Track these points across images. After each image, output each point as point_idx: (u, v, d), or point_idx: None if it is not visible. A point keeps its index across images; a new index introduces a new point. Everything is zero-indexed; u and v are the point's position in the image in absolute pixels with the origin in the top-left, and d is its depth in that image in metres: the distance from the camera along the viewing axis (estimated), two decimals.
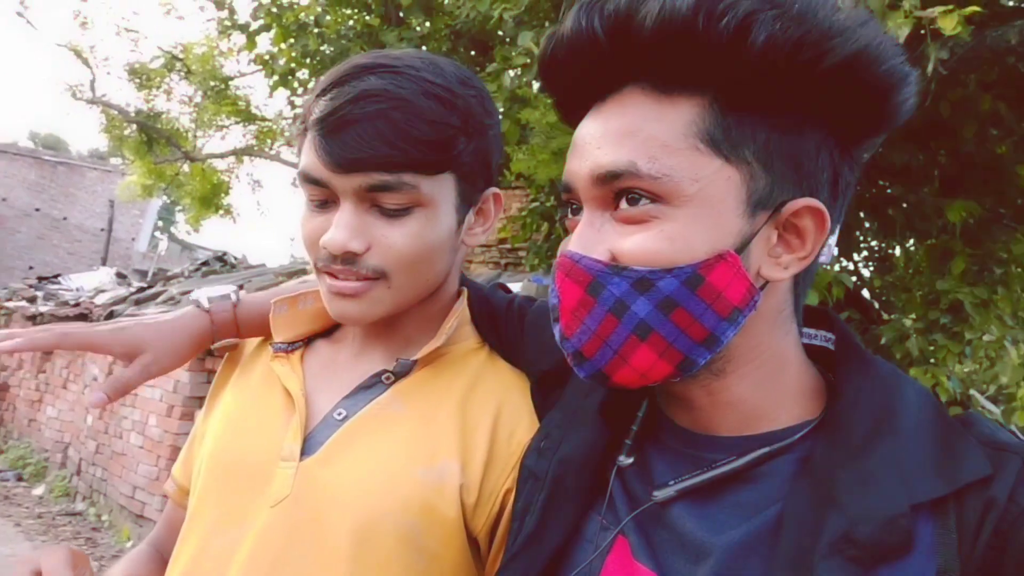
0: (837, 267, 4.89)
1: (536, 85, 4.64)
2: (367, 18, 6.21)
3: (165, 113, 11.73)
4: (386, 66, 0.81)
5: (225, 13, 8.54)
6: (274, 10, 6.63)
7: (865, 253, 5.59)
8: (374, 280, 0.83)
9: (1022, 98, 4.19)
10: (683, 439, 0.70)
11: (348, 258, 0.81)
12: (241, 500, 0.85)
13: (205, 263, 9.53)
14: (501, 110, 4.15)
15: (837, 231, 0.69)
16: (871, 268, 5.65)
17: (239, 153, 11.52)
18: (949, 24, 2.46)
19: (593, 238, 0.64)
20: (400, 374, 0.90)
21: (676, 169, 0.61)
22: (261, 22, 6.84)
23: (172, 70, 11.26)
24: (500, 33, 4.61)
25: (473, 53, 6.50)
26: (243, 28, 7.19)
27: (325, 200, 0.83)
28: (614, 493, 0.72)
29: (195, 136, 11.91)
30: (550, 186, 4.54)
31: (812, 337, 0.73)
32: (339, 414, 0.88)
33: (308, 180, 0.82)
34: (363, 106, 0.78)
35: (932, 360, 3.89)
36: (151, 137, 11.30)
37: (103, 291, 8.15)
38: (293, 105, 7.52)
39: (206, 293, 1.01)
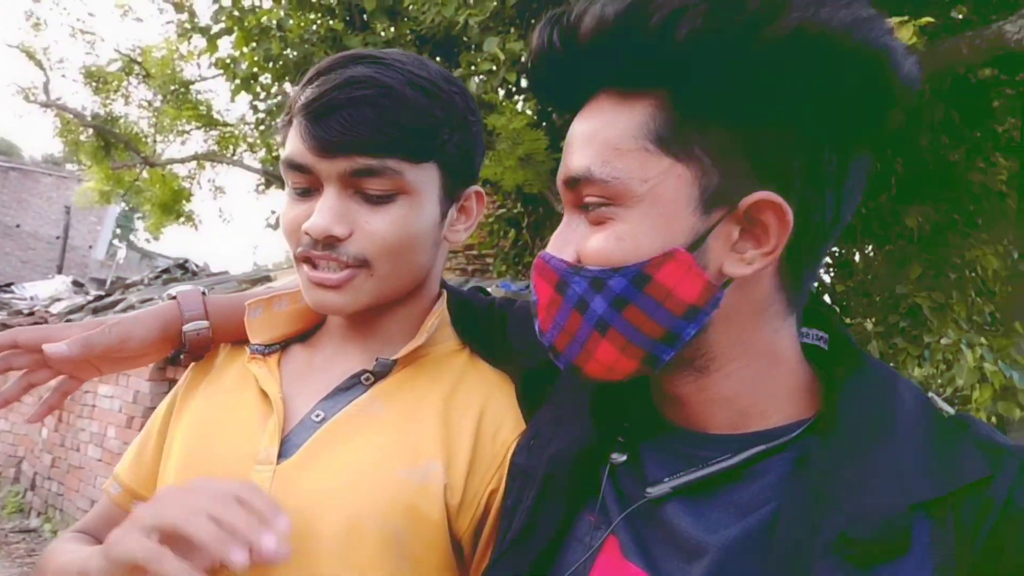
0: None
1: (502, 92, 4.65)
2: (331, 23, 6.15)
3: (123, 117, 11.48)
4: (373, 57, 0.83)
5: (185, 16, 8.40)
6: (236, 13, 6.54)
7: (826, 259, 5.70)
8: (356, 268, 0.82)
9: (973, 107, 4.32)
10: (677, 437, 0.70)
11: (330, 243, 0.81)
12: None
13: (166, 270, 9.33)
14: None
15: (843, 221, 0.65)
16: (832, 274, 5.76)
17: (200, 158, 11.31)
18: (905, 35, 2.53)
19: (565, 239, 0.67)
20: (380, 374, 0.89)
21: (625, 171, 0.62)
22: (222, 25, 6.74)
23: (130, 73, 11.04)
24: (465, 39, 4.61)
25: (438, 59, 6.48)
26: (204, 31, 7.06)
27: (308, 188, 0.83)
28: (605, 492, 0.71)
29: (155, 141, 11.67)
30: (516, 192, 4.55)
31: (804, 336, 0.72)
32: (317, 416, 0.86)
33: (292, 166, 0.82)
34: (349, 92, 0.79)
35: (892, 363, 3.98)
36: (108, 142, 11.04)
37: (59, 300, 7.93)
38: (256, 110, 7.40)
39: (175, 288, 0.99)
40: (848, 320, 4.95)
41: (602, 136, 0.64)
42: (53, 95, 11.99)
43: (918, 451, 0.59)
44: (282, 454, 0.83)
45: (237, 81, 6.90)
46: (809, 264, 0.66)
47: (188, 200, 12.07)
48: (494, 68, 4.04)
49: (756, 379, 0.67)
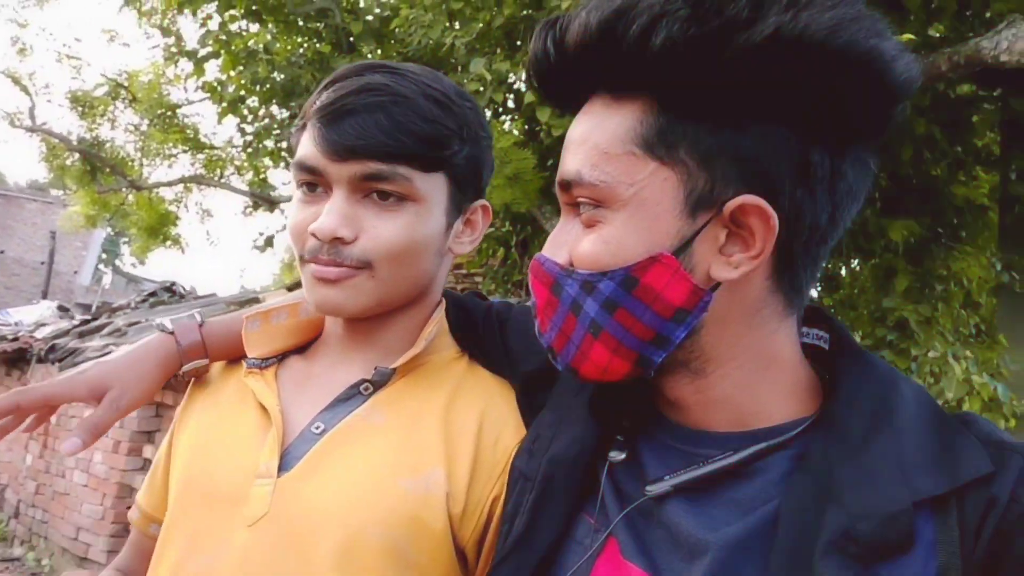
0: None
1: (489, 112, 4.68)
2: (318, 46, 6.19)
3: (109, 142, 11.44)
4: (390, 67, 0.85)
5: (172, 40, 8.42)
6: (223, 37, 6.56)
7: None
8: (358, 270, 0.82)
9: (953, 122, 4.38)
10: (676, 435, 0.70)
11: (335, 246, 0.81)
12: (215, 521, 0.82)
13: (153, 294, 9.27)
14: None
15: (841, 223, 0.65)
16: (819, 288, 5.80)
17: (187, 181, 11.28)
18: None
19: (560, 242, 0.68)
20: (379, 384, 0.89)
21: (612, 175, 0.63)
22: (209, 49, 6.75)
23: (117, 98, 11.02)
24: (452, 60, 4.64)
25: None
26: (191, 55, 7.08)
27: (316, 186, 0.84)
28: (604, 492, 0.71)
29: (141, 165, 11.63)
30: (505, 211, 4.56)
31: (805, 336, 0.73)
32: (317, 428, 0.86)
33: (303, 168, 0.83)
34: (364, 98, 0.80)
35: None
36: (94, 166, 10.99)
37: (44, 325, 7.84)
38: (243, 132, 7.40)
39: (169, 318, 0.98)
40: None
41: (592, 139, 0.65)
42: (39, 120, 11.96)
43: (920, 447, 0.59)
44: (282, 467, 0.83)
45: (224, 104, 6.91)
46: (805, 267, 0.65)
47: (175, 223, 12.00)
48: (481, 88, 4.07)
49: (753, 379, 0.67)
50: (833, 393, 0.65)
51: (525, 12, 4.32)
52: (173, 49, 8.03)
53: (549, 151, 4.74)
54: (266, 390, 0.90)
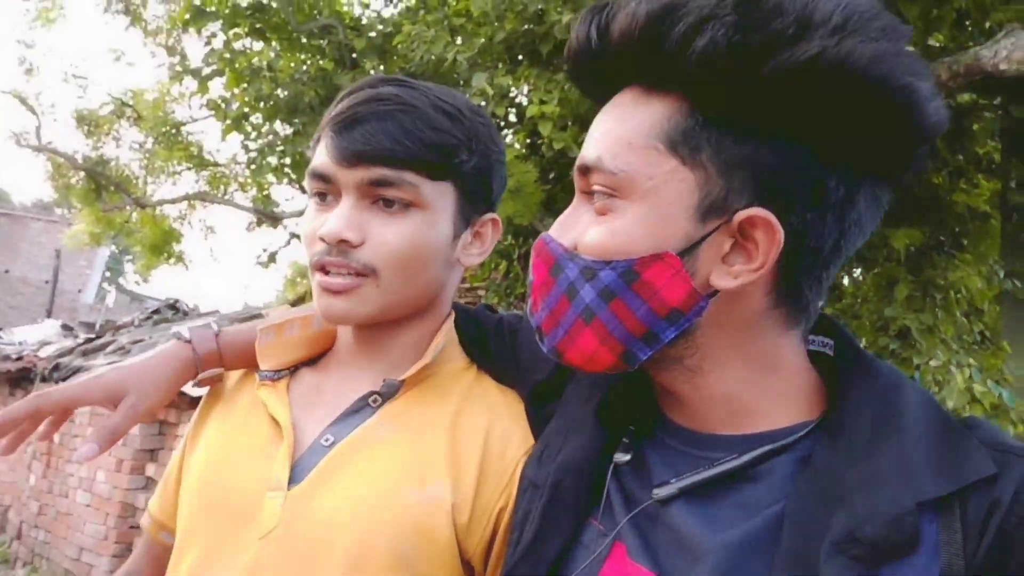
0: None
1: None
2: (321, 62, 6.24)
3: (114, 160, 11.52)
4: (403, 81, 0.87)
5: (177, 59, 8.50)
6: (227, 55, 6.62)
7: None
8: (364, 276, 0.83)
9: (954, 131, 4.40)
10: (681, 437, 0.71)
11: (342, 249, 0.83)
12: (228, 533, 0.83)
13: (156, 311, 9.28)
14: None
15: (844, 251, 0.65)
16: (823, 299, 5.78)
17: (191, 198, 11.34)
18: None
19: (568, 225, 0.69)
20: (388, 396, 0.89)
21: (632, 166, 0.63)
22: (214, 67, 6.82)
23: (122, 116, 11.10)
24: (455, 75, 4.68)
25: None
26: (195, 73, 7.14)
27: (327, 194, 0.86)
28: (611, 495, 0.71)
29: (146, 182, 11.70)
30: (507, 224, 4.57)
31: (811, 342, 0.73)
32: (326, 440, 0.87)
33: (315, 176, 0.86)
34: (374, 107, 0.83)
35: None
36: (99, 184, 11.07)
37: (48, 344, 7.86)
38: (247, 149, 7.45)
39: (186, 326, 0.99)
40: None
41: (619, 129, 0.65)
42: (45, 139, 12.04)
43: (924, 450, 0.59)
44: (293, 479, 0.84)
45: (228, 121, 6.97)
46: (809, 285, 0.66)
47: (178, 241, 12.05)
48: (483, 103, 4.10)
49: (753, 382, 0.67)
50: (838, 397, 0.65)
51: (526, 27, 4.36)
52: (178, 67, 8.10)
53: (551, 164, 4.76)
54: (278, 403, 0.90)
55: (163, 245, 11.73)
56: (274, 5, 6.73)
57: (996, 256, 4.73)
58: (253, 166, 7.43)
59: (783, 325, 0.67)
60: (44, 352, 7.17)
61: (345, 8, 7.15)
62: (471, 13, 4.47)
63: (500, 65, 4.35)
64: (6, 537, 6.56)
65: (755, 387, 0.67)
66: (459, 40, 4.56)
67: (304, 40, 6.63)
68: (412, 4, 5.88)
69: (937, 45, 4.37)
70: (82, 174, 11.35)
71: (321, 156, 0.85)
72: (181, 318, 8.80)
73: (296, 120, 6.10)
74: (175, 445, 4.80)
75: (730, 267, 0.63)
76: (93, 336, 7.81)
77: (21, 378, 7.17)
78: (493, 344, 0.97)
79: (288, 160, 7.02)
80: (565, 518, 0.72)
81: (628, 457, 0.72)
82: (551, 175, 4.91)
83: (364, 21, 6.87)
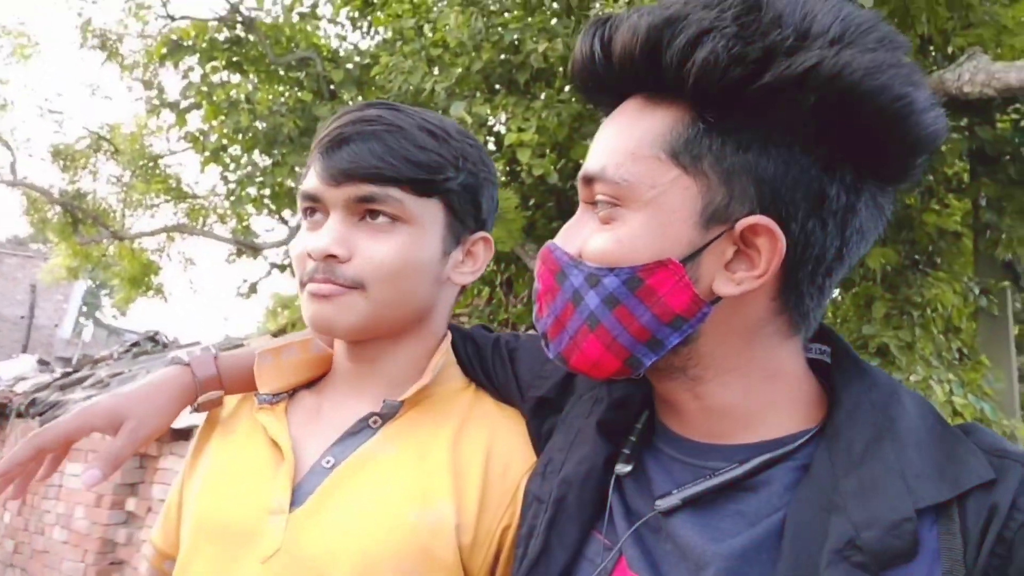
0: None
1: None
2: (299, 94, 6.27)
3: (91, 194, 11.42)
4: (390, 104, 0.89)
5: (154, 92, 8.49)
6: (204, 88, 6.63)
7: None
8: (352, 289, 0.84)
9: None
10: (681, 448, 0.71)
11: (330, 264, 0.84)
12: (230, 557, 0.82)
13: (136, 344, 9.15)
14: None
15: (847, 259, 0.66)
16: None
17: (170, 231, 11.26)
18: None
19: (573, 233, 0.70)
20: (387, 416, 0.90)
21: (636, 175, 0.65)
22: (191, 100, 6.82)
23: (99, 150, 11.04)
24: (433, 105, 4.72)
25: None
26: (173, 106, 7.14)
27: (316, 211, 0.87)
28: (613, 508, 0.72)
29: (123, 216, 11.60)
30: None
31: (808, 350, 0.74)
32: (327, 462, 0.87)
33: (304, 197, 0.88)
34: (360, 127, 0.85)
35: None
36: (76, 218, 10.96)
37: (24, 379, 7.71)
38: (226, 180, 7.44)
39: (185, 351, 0.99)
40: None
41: (621, 139, 0.67)
42: (20, 174, 11.92)
43: (922, 456, 0.60)
44: (294, 502, 0.84)
45: (207, 153, 6.95)
46: (811, 295, 0.67)
47: (157, 273, 11.94)
48: None
49: (753, 391, 0.68)
50: (835, 405, 0.66)
51: (503, 56, 4.42)
52: (155, 101, 8.09)
53: (531, 190, 4.80)
54: (277, 425, 0.91)
55: (142, 278, 11.60)
56: (251, 39, 6.77)
57: (970, 274, 4.82)
58: (233, 197, 7.41)
59: (784, 333, 0.68)
60: (20, 387, 7.04)
61: (322, 40, 7.20)
62: (448, 44, 4.52)
63: (478, 94, 4.40)
64: None
65: (756, 395, 0.68)
66: (436, 70, 4.61)
67: (282, 72, 6.66)
68: (389, 36, 5.94)
69: None
70: (58, 208, 11.24)
71: (310, 178, 0.87)
72: (161, 350, 8.69)
73: (275, 151, 6.10)
74: (156, 479, 4.71)
75: (733, 274, 0.64)
76: (70, 370, 7.68)
77: None
78: (492, 362, 0.97)
79: (268, 191, 7.01)
80: (569, 532, 0.73)
81: (629, 468, 0.73)
82: (531, 201, 4.95)
83: (342, 53, 6.92)
